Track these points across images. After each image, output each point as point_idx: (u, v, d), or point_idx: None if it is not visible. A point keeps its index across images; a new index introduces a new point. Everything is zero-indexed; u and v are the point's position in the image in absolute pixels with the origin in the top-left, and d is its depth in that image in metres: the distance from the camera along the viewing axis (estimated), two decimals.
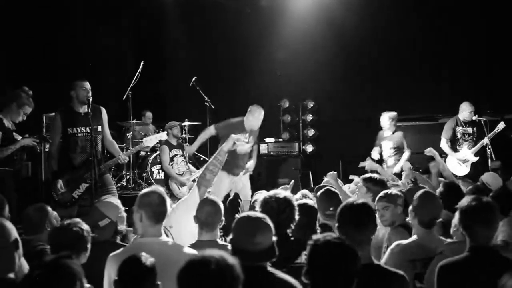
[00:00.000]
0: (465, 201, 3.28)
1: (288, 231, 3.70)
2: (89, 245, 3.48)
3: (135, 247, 3.38)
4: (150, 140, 7.10)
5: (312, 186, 10.23)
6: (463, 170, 8.63)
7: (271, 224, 2.98)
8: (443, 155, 9.24)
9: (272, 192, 3.83)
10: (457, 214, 3.31)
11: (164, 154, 8.54)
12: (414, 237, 3.88)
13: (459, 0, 10.56)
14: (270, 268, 2.91)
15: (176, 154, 8.64)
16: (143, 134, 10.23)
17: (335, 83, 11.56)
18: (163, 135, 7.60)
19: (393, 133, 9.01)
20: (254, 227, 2.92)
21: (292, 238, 3.69)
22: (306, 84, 11.88)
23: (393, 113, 8.97)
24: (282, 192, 3.87)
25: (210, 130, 7.84)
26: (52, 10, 10.24)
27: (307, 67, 11.64)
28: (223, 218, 3.96)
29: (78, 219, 3.59)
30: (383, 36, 11.07)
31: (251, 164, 7.89)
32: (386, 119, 8.96)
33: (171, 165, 8.52)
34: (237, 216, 3.17)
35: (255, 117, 7.72)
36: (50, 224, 4.14)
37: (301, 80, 11.80)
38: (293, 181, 6.32)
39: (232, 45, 12.00)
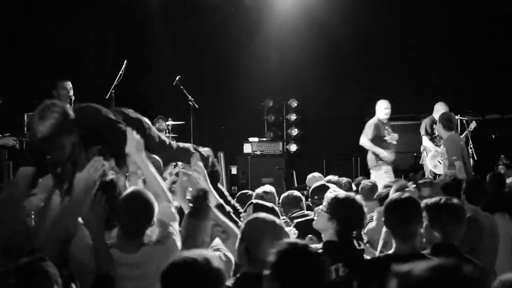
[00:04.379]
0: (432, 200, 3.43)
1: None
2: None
3: None
4: None
5: (296, 185, 10.26)
6: (444, 168, 8.70)
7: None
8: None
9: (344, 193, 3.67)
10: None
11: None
12: None
13: (445, 1, 10.64)
14: None
15: None
16: None
17: (319, 83, 11.60)
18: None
19: None
20: (279, 234, 2.85)
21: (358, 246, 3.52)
22: (290, 83, 11.90)
23: None
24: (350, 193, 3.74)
25: None
26: (33, 7, 10.15)
27: (291, 66, 11.66)
28: None
29: None
30: (367, 35, 11.13)
31: None
32: None
33: None
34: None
35: None
36: None
37: (285, 80, 11.82)
38: None
39: (217, 44, 11.98)
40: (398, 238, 3.21)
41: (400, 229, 3.21)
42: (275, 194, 5.30)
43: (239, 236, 2.93)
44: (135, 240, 3.10)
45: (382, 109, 8.72)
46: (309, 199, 5.19)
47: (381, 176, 8.10)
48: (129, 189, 3.26)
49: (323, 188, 5.19)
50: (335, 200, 3.49)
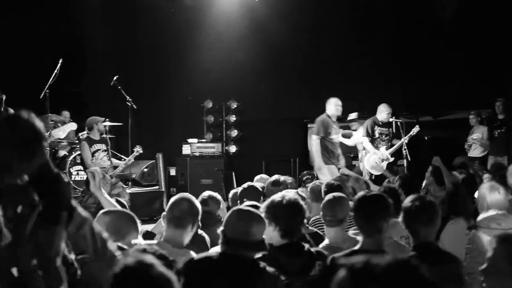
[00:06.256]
0: (408, 201, 3.46)
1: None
2: None
3: None
4: (63, 131, 6.86)
5: (235, 186, 10.26)
6: (380, 169, 8.91)
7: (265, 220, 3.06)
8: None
9: (280, 194, 3.52)
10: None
11: (85, 150, 8.31)
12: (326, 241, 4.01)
13: (384, 3, 10.83)
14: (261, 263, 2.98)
15: (99, 149, 8.44)
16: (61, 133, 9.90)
17: (258, 84, 11.65)
18: (73, 125, 7.33)
19: None
20: (251, 218, 2.99)
21: (306, 248, 3.46)
22: (229, 84, 11.90)
23: None
24: (290, 193, 3.63)
25: None
26: None
27: (231, 67, 11.66)
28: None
29: None
30: (307, 37, 11.24)
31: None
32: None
33: (92, 161, 8.28)
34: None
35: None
36: None
37: (225, 81, 11.80)
38: None
39: (156, 44, 11.85)
40: (364, 234, 3.30)
41: (366, 225, 3.29)
42: (218, 198, 5.18)
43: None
44: None
45: (333, 104, 8.66)
46: (238, 201, 5.18)
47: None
48: (177, 195, 3.64)
49: (252, 190, 5.27)
50: (271, 204, 3.43)
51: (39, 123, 2.22)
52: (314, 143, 8.49)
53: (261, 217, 3.04)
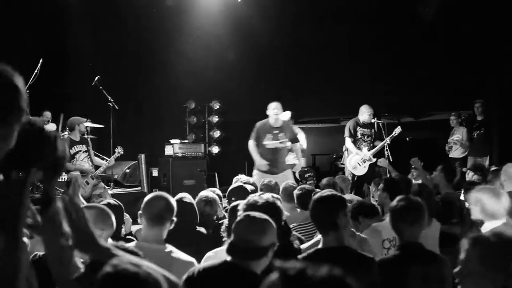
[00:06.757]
0: (394, 201, 3.53)
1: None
2: None
3: None
4: None
5: (218, 187, 10.24)
6: (362, 170, 8.94)
7: (270, 227, 2.87)
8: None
9: (257, 195, 3.50)
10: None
11: None
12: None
13: (367, 2, 10.88)
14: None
15: (79, 151, 8.38)
16: None
17: (241, 85, 11.65)
18: (52, 127, 7.30)
19: None
20: (251, 224, 2.86)
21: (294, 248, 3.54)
22: (212, 85, 11.89)
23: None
24: (267, 194, 3.58)
25: None
26: None
27: (214, 68, 11.66)
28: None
29: None
30: (289, 37, 11.26)
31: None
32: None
33: (72, 162, 8.23)
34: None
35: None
36: None
37: (207, 81, 11.79)
38: None
39: (139, 45, 11.80)
40: (321, 232, 3.39)
41: (320, 224, 3.39)
42: (216, 200, 5.18)
43: None
44: None
45: (271, 110, 8.58)
46: (227, 201, 5.19)
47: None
48: (150, 194, 3.68)
49: (241, 190, 5.24)
50: (247, 205, 3.42)
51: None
52: (249, 145, 8.55)
53: (264, 223, 2.86)
